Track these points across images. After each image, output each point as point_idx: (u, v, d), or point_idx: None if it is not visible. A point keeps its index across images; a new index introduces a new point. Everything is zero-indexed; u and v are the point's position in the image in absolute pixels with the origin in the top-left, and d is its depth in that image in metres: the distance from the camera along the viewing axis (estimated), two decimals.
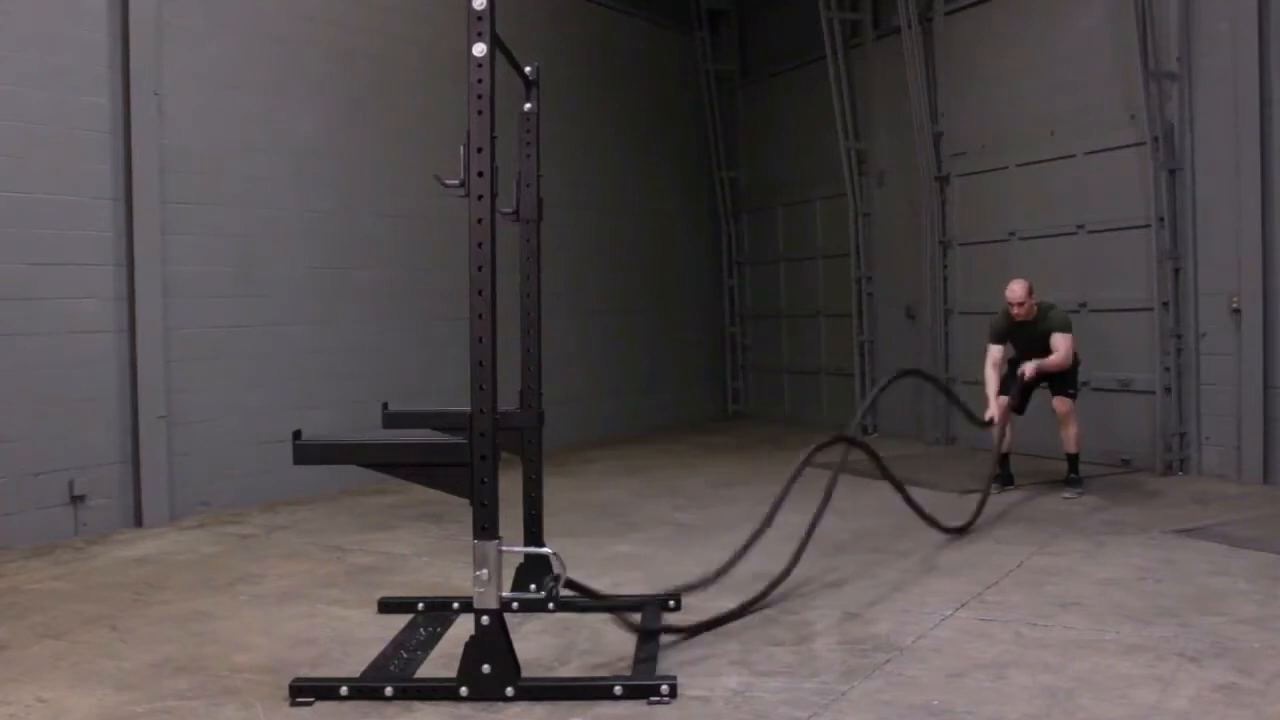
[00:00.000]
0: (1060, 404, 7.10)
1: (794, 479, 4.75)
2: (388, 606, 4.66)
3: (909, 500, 5.78)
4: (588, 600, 4.23)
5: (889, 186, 10.40)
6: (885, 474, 5.69)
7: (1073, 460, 7.19)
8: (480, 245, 3.53)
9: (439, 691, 3.58)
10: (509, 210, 4.56)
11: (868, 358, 10.62)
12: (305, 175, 7.77)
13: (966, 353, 9.23)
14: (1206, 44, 7.49)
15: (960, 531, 5.95)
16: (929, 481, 7.36)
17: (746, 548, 4.56)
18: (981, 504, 6.31)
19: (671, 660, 3.92)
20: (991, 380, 7.16)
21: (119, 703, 3.61)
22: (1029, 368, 6.96)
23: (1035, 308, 7.09)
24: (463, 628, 4.01)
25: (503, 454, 3.73)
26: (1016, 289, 7.03)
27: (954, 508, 6.40)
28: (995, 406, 7.04)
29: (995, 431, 7.09)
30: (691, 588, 4.50)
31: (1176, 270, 7.69)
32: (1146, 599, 4.59)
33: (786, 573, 4.71)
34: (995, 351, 7.24)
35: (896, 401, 10.34)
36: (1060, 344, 6.97)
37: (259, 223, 7.46)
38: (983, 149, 9.33)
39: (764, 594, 4.55)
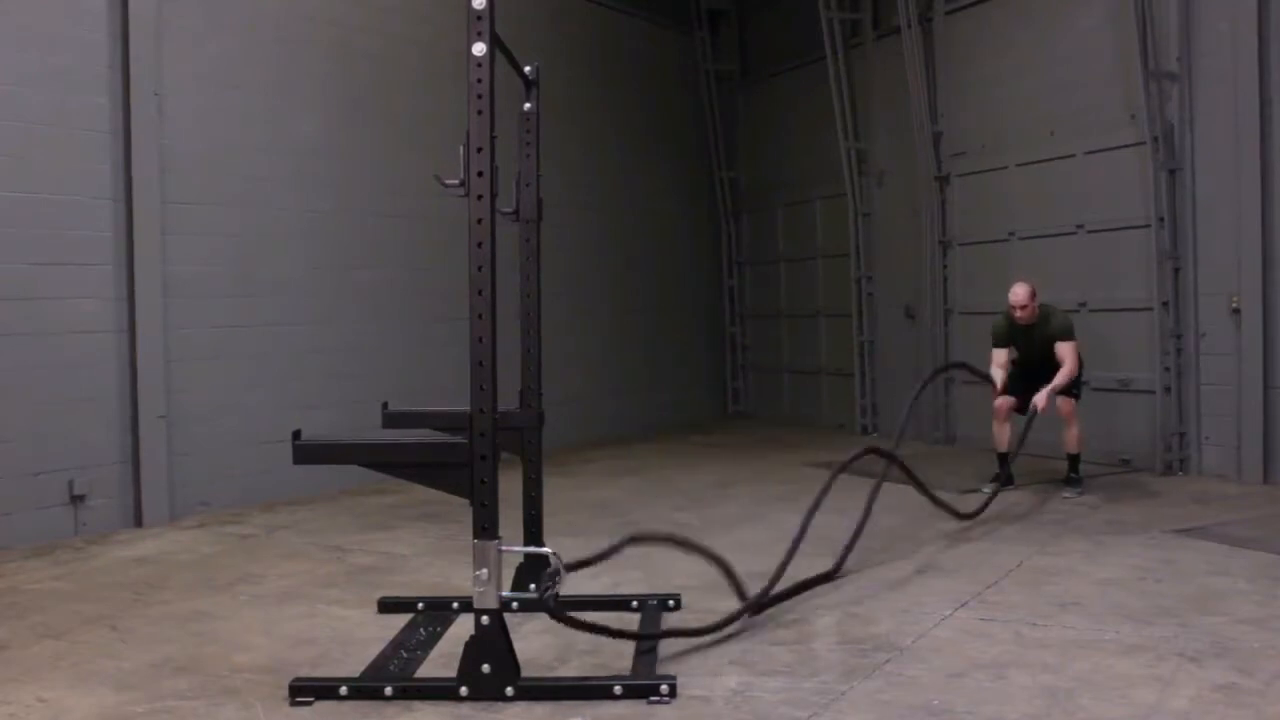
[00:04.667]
0: (1064, 404, 7.09)
1: (826, 489, 4.92)
2: (388, 606, 4.65)
3: (932, 497, 6.05)
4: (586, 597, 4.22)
5: (889, 186, 10.40)
6: (913, 479, 5.96)
7: (1073, 460, 7.19)
8: (480, 245, 3.53)
9: (439, 691, 3.58)
10: (509, 210, 4.56)
11: (868, 358, 10.62)
12: (305, 175, 7.77)
13: (966, 353, 9.21)
14: (1206, 44, 7.49)
15: (969, 517, 6.22)
16: (928, 481, 7.34)
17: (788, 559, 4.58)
18: (990, 499, 6.56)
19: (671, 660, 3.92)
20: (998, 376, 7.20)
21: (119, 703, 3.61)
22: (1041, 400, 6.88)
23: (1038, 311, 7.08)
24: (463, 627, 4.01)
25: (503, 454, 3.72)
26: (1020, 292, 7.02)
27: (951, 506, 6.40)
28: (1001, 388, 7.16)
29: (996, 428, 7.16)
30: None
31: (1176, 270, 7.69)
32: (1146, 599, 4.59)
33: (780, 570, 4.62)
34: (999, 355, 7.25)
35: (896, 402, 10.37)
36: (1066, 353, 6.95)
37: (259, 223, 7.46)
38: (983, 149, 9.33)
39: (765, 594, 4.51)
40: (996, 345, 7.28)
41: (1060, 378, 6.92)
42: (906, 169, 9.98)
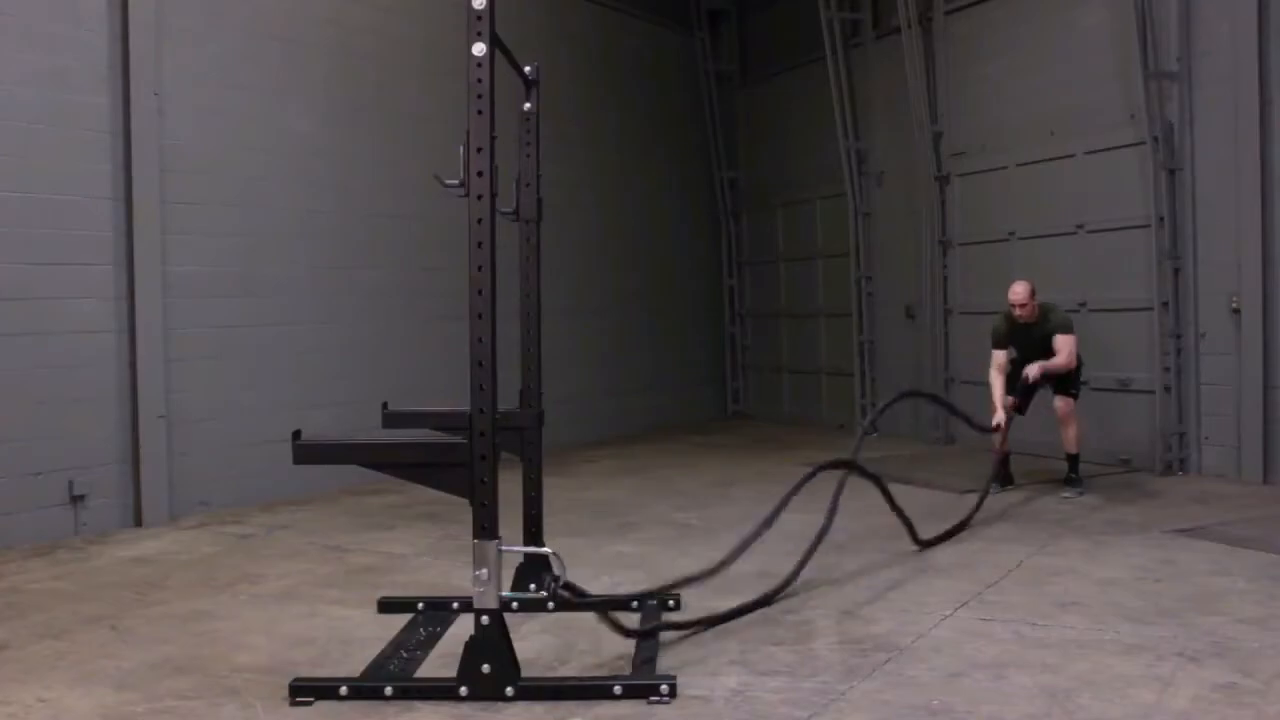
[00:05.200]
0: (1062, 404, 7.09)
1: (791, 494, 4.77)
2: (387, 606, 4.65)
3: (896, 509, 5.70)
4: (585, 600, 4.23)
5: (889, 186, 10.40)
6: (885, 496, 5.65)
7: (1073, 460, 7.18)
8: (480, 245, 3.53)
9: (439, 691, 3.58)
10: (509, 210, 4.57)
11: (868, 358, 10.62)
12: (305, 175, 7.77)
13: (966, 353, 9.24)
14: (1206, 44, 7.49)
15: (940, 539, 5.75)
16: (928, 481, 7.36)
17: (743, 548, 4.55)
18: (977, 506, 6.29)
19: (671, 660, 3.92)
20: (997, 385, 7.09)
21: (119, 703, 3.61)
22: (1033, 370, 6.86)
23: (1037, 309, 7.07)
24: (463, 627, 4.01)
25: (503, 454, 3.73)
26: (1019, 290, 7.01)
27: (952, 507, 6.41)
28: (1001, 412, 6.98)
29: (998, 436, 7.07)
30: (690, 580, 4.47)
31: (1176, 270, 7.69)
32: (1146, 599, 4.59)
33: (793, 576, 4.71)
34: (999, 356, 7.20)
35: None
36: (1063, 345, 6.93)
37: (259, 223, 7.46)
38: (982, 149, 9.33)
39: (769, 596, 4.56)
40: (996, 346, 7.24)
41: (1055, 361, 6.89)
42: (906, 169, 9.98)
